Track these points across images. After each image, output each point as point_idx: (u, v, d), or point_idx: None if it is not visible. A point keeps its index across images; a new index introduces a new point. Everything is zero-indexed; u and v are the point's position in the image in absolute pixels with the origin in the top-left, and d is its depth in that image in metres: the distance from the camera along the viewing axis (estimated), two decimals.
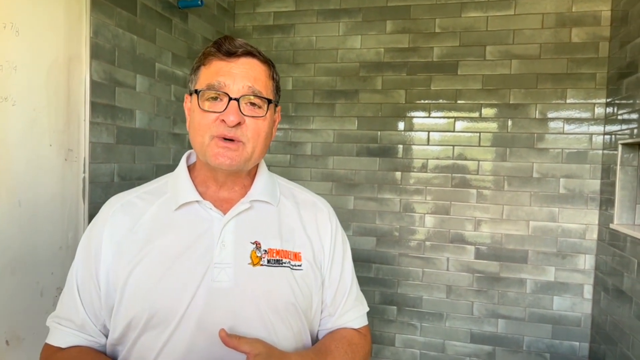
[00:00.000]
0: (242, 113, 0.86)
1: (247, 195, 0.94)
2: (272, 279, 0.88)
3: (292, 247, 0.92)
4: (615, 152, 2.24)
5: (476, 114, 2.67)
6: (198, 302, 0.84)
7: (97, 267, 0.88)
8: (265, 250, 0.89)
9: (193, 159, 1.00)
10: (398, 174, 2.80)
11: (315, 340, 0.99)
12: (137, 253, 0.86)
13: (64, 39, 1.68)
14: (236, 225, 0.90)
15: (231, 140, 0.86)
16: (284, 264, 0.90)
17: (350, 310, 1.01)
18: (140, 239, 0.88)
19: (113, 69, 1.94)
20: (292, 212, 0.97)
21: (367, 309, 1.05)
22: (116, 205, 0.93)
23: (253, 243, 0.89)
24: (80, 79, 1.77)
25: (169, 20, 2.33)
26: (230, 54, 0.88)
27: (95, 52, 1.83)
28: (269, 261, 0.89)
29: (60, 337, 0.89)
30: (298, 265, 0.91)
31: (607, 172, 2.40)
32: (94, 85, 1.83)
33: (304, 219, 0.97)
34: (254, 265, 0.88)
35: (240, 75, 0.87)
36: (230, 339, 0.78)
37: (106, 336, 0.91)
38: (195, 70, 0.92)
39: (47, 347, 0.90)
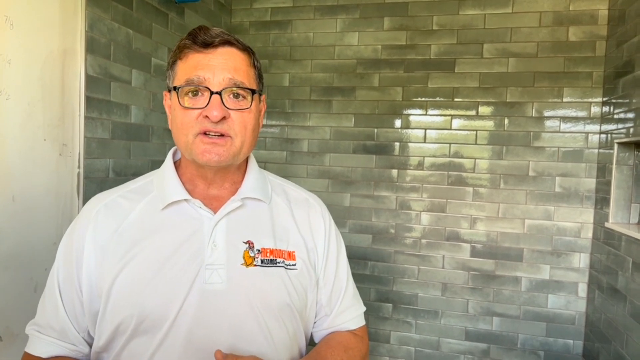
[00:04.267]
0: (225, 106, 0.82)
1: (237, 192, 0.90)
2: (266, 279, 0.85)
3: (285, 247, 0.89)
4: (611, 151, 2.25)
5: (473, 112, 2.67)
6: (190, 305, 0.80)
7: (79, 272, 0.84)
8: (259, 250, 0.86)
9: (179, 155, 0.95)
10: (394, 172, 2.80)
11: (308, 340, 0.97)
12: (123, 256, 0.82)
13: (59, 33, 1.67)
14: (227, 224, 0.86)
15: (217, 135, 0.82)
16: (278, 264, 0.87)
17: (347, 310, 0.98)
18: (127, 240, 0.84)
19: (108, 64, 1.92)
20: (284, 209, 0.94)
21: (364, 308, 1.03)
22: (99, 206, 0.88)
23: (245, 243, 0.86)
24: (75, 73, 1.76)
25: (165, 15, 2.31)
26: (207, 45, 0.82)
27: (91, 46, 1.81)
28: (262, 261, 0.86)
29: (41, 346, 0.85)
30: (292, 265, 0.88)
31: (603, 171, 2.40)
32: (89, 79, 1.81)
33: (296, 217, 0.94)
34: (247, 265, 0.85)
35: (220, 67, 0.82)
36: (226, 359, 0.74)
37: (90, 345, 0.87)
38: (172, 65, 0.87)
39: (27, 356, 0.85)
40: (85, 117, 1.80)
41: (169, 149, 0.97)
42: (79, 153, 1.79)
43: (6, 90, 1.46)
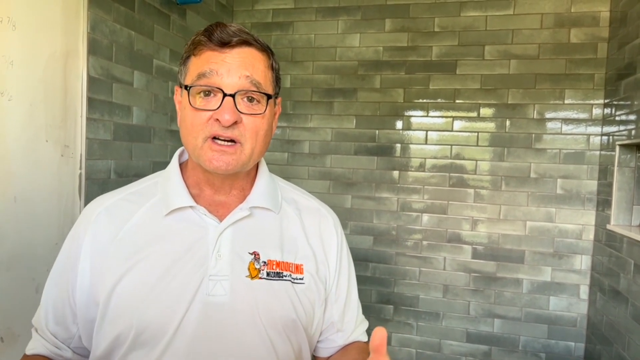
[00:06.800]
0: (238, 110, 0.77)
1: (246, 200, 0.86)
2: (272, 293, 0.81)
3: (293, 259, 0.85)
4: (613, 153, 2.25)
5: (474, 114, 2.67)
6: (192, 317, 0.77)
7: (74, 279, 0.81)
8: (265, 262, 0.82)
9: (186, 157, 0.91)
10: (396, 173, 2.80)
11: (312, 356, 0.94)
12: (123, 263, 0.78)
13: (61, 34, 1.67)
14: (233, 234, 0.82)
15: (227, 141, 0.78)
16: (284, 277, 0.83)
17: (360, 325, 0.97)
18: (127, 247, 0.80)
19: (110, 65, 1.92)
20: (294, 220, 0.89)
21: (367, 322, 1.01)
22: (99, 209, 0.84)
23: (251, 254, 0.82)
24: (77, 74, 1.76)
25: (167, 17, 2.32)
26: (224, 44, 0.78)
27: (93, 48, 1.81)
28: (268, 274, 0.81)
29: (31, 342, 0.85)
30: (299, 279, 0.84)
31: (604, 173, 2.40)
32: (91, 81, 1.81)
33: (306, 228, 0.89)
34: (252, 278, 0.80)
35: (236, 65, 0.77)
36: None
37: (75, 352, 0.85)
38: (185, 60, 0.83)
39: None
40: (87, 118, 1.80)
41: (171, 150, 0.95)
42: (81, 154, 1.79)
43: (8, 91, 1.46)
